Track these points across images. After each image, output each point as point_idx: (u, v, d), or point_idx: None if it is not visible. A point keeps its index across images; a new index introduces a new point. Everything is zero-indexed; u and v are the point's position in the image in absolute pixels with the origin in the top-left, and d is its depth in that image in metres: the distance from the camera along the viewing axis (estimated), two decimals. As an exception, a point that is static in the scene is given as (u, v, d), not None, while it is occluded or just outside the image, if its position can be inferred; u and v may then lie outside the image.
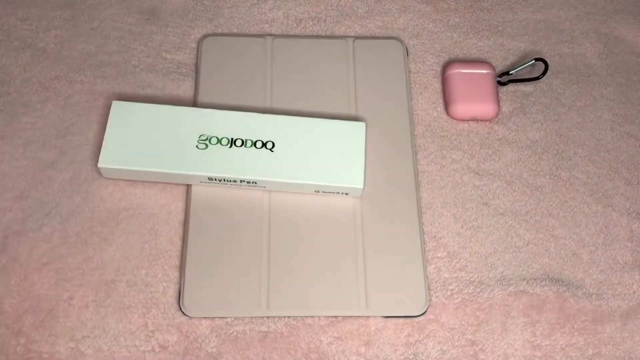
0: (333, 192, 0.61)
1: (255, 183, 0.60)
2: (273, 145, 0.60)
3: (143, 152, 0.60)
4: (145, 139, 0.60)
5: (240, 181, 0.60)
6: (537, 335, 0.58)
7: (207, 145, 0.60)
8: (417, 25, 0.72)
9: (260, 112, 0.63)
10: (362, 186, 0.60)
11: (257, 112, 0.63)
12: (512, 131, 0.67)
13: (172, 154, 0.60)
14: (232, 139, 0.61)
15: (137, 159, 0.60)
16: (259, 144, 0.60)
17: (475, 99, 0.66)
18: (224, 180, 0.60)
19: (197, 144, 0.60)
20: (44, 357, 0.55)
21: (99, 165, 0.59)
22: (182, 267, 0.58)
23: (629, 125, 0.69)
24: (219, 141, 0.60)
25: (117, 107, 0.62)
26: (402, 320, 0.58)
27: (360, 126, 0.62)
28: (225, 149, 0.60)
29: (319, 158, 0.61)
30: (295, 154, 0.61)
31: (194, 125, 0.61)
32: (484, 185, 0.64)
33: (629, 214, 0.64)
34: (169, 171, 0.60)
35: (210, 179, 0.60)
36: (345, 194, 0.61)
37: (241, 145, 0.60)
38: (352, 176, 0.60)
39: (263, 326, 0.57)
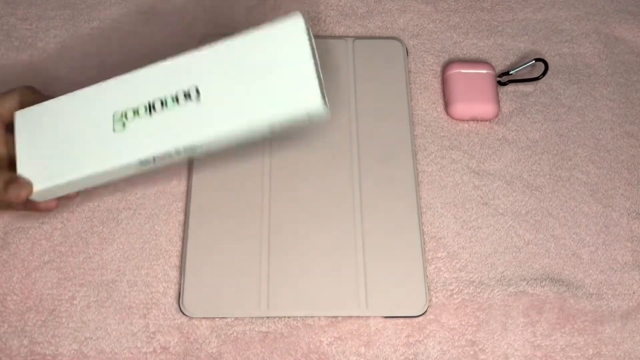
0: (293, 123, 0.49)
1: (196, 149, 0.50)
2: (198, 93, 0.49)
3: (60, 161, 0.51)
4: (58, 144, 0.51)
5: (177, 152, 0.50)
6: (537, 335, 0.58)
7: (124, 123, 0.50)
8: (417, 25, 0.72)
9: None
10: (319, 101, 0.47)
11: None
12: (512, 131, 0.67)
13: (91, 150, 0.50)
14: (148, 103, 0.50)
15: (55, 172, 0.51)
16: (181, 97, 0.49)
17: (475, 99, 0.66)
18: (158, 158, 0.50)
19: (113, 126, 0.50)
20: (47, 359, 0.55)
21: None
22: (182, 268, 0.59)
23: (629, 125, 0.69)
24: (136, 112, 0.50)
25: (21, 118, 0.52)
26: (402, 320, 0.58)
27: (295, 22, 0.48)
28: (146, 120, 0.49)
29: (258, 87, 0.48)
30: (227, 93, 0.48)
31: (101, 106, 0.51)
32: (484, 186, 0.65)
33: (629, 214, 0.64)
34: (93, 172, 0.51)
35: (142, 162, 0.50)
36: (308, 120, 0.49)
37: (162, 107, 0.49)
38: (305, 93, 0.47)
39: (263, 326, 0.57)
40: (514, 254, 0.62)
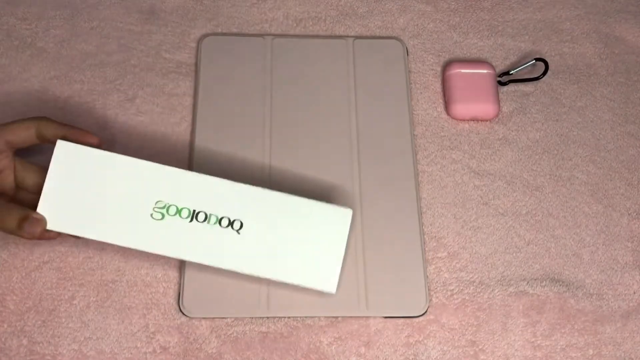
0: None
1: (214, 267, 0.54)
2: (241, 226, 0.53)
3: (86, 214, 0.52)
4: (91, 196, 0.52)
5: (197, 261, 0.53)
6: (537, 335, 0.58)
7: (163, 215, 0.52)
8: (417, 25, 0.72)
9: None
10: (334, 291, 0.53)
11: (239, 183, 0.54)
12: (512, 131, 0.67)
13: (120, 221, 0.52)
14: (194, 210, 0.52)
15: (77, 222, 0.52)
16: (224, 222, 0.53)
17: (475, 99, 0.66)
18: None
19: (152, 212, 0.52)
20: (47, 359, 0.55)
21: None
22: (181, 268, 0.58)
23: (629, 125, 0.69)
24: (179, 212, 0.52)
25: (62, 149, 0.52)
26: (402, 320, 0.58)
27: (345, 214, 0.54)
28: (185, 223, 0.52)
29: (291, 248, 0.53)
30: (264, 239, 0.53)
31: (151, 186, 0.52)
32: (484, 186, 0.64)
33: (629, 214, 0.64)
34: (114, 242, 0.52)
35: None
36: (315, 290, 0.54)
37: (204, 221, 0.52)
38: (325, 277, 0.53)
39: (263, 327, 0.57)
40: (514, 254, 0.62)
